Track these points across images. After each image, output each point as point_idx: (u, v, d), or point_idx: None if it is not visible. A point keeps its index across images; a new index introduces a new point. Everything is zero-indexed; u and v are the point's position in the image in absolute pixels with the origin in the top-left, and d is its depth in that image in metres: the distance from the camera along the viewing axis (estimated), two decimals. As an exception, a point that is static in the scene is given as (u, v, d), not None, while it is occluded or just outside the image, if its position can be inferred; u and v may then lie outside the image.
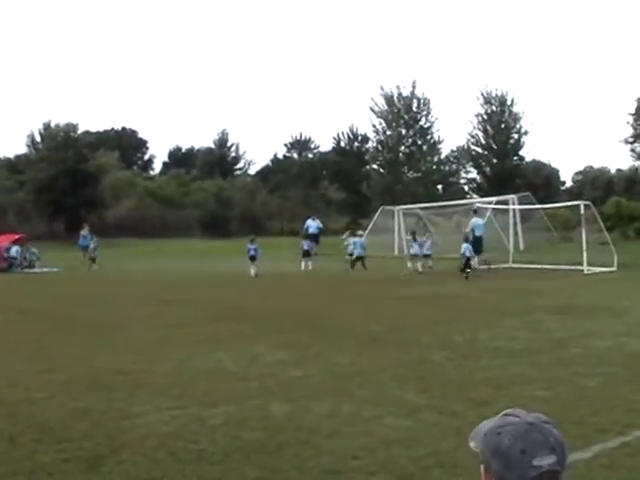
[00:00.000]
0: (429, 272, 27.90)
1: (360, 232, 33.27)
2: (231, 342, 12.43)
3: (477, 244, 28.57)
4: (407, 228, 40.19)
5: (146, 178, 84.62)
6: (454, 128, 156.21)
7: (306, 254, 30.70)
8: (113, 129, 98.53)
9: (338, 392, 8.60)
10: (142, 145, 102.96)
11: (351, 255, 31.04)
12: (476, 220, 29.90)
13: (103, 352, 11.64)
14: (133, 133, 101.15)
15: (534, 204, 37.84)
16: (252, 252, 27.87)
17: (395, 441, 6.71)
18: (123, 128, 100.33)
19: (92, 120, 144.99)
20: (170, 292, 21.58)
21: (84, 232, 38.03)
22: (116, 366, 10.30)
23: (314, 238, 38.67)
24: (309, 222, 39.09)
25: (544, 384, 8.87)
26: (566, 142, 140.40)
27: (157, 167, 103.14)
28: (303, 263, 30.35)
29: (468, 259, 26.51)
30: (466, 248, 26.67)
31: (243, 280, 26.01)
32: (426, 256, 29.48)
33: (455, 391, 8.57)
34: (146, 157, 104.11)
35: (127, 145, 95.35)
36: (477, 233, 29.00)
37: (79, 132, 70.80)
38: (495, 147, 74.05)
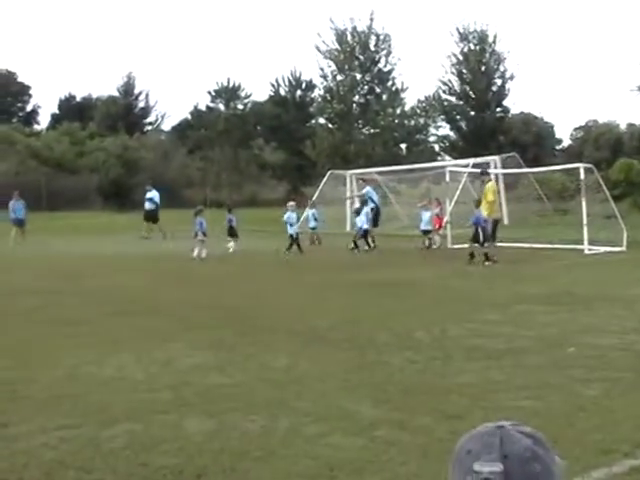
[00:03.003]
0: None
1: (291, 203, 33.22)
2: (137, 342, 12.34)
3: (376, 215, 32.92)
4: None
5: (29, 134, 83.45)
6: (421, 73, 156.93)
7: (232, 232, 30.46)
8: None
9: (272, 404, 8.58)
10: (24, 92, 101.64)
11: (313, 229, 33.43)
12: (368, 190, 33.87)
13: (-30, 356, 11.48)
14: (11, 76, 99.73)
15: (522, 167, 38.28)
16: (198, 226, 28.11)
17: (344, 464, 6.70)
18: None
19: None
20: (59, 279, 21.39)
21: (18, 201, 37.90)
22: (-13, 374, 10.15)
23: (149, 216, 38.68)
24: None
25: (532, 392, 8.93)
26: (563, 90, 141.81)
27: (44, 120, 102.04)
28: (232, 243, 30.08)
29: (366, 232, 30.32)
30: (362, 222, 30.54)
31: (154, 263, 25.88)
32: (426, 232, 31.10)
33: (420, 401, 8.60)
34: (29, 107, 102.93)
35: (3, 92, 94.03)
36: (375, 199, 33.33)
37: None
38: (473, 96, 74.48)
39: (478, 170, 35.59)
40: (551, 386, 9.21)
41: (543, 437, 1.87)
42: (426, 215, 31.61)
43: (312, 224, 33.39)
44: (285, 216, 30.76)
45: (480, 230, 24.20)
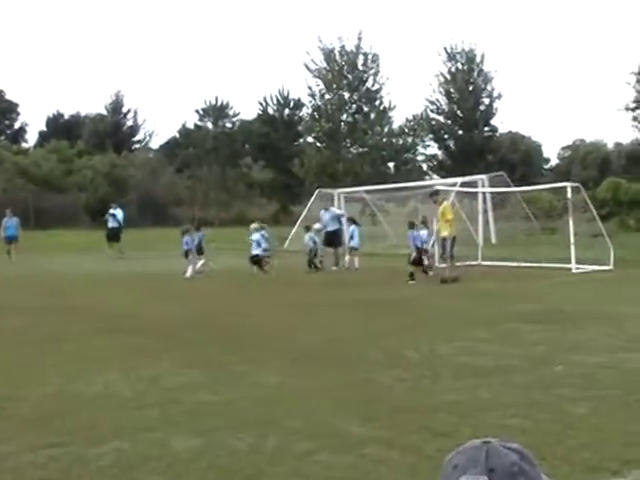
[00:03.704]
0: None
1: (253, 225, 32.75)
2: (124, 360, 12.28)
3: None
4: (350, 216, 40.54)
5: (17, 152, 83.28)
6: (409, 92, 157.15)
7: (198, 250, 29.99)
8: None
9: (261, 422, 8.55)
10: (11, 110, 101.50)
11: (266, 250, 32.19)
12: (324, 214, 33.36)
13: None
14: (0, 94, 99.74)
15: (509, 186, 38.32)
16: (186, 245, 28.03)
17: (333, 483, 6.68)
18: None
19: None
20: (46, 297, 21.33)
21: (11, 219, 37.80)
22: (-26, 393, 10.10)
23: (111, 235, 38.45)
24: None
25: (520, 410, 8.92)
26: (551, 110, 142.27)
27: (31, 138, 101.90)
28: (198, 263, 29.57)
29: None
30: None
31: (141, 281, 25.81)
32: (425, 252, 30.80)
33: (408, 419, 8.58)
34: (17, 125, 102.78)
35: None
36: (330, 228, 32.09)
37: None
38: (461, 115, 74.52)
39: (467, 189, 35.74)
40: (539, 404, 9.20)
41: (530, 453, 1.87)
42: (422, 234, 31.48)
43: (264, 245, 31.18)
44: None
45: (416, 250, 24.76)
